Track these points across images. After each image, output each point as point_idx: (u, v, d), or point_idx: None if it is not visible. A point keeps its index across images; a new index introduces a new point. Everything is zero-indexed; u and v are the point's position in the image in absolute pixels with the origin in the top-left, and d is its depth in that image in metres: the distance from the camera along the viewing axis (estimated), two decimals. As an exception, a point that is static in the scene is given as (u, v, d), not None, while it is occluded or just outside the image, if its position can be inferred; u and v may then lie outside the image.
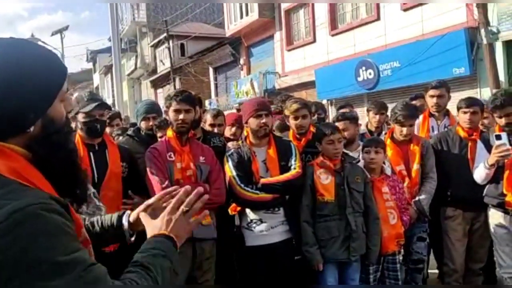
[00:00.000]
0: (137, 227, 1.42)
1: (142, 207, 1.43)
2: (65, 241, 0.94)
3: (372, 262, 3.27)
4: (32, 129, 1.02)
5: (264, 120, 3.11)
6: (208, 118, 3.85)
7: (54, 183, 1.05)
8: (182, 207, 1.31)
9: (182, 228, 1.29)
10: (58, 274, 0.90)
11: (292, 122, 3.44)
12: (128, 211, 1.48)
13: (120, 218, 1.46)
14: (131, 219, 1.43)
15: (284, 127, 3.72)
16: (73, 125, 3.04)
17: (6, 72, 0.98)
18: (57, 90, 1.06)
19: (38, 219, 0.91)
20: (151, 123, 3.48)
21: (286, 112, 3.47)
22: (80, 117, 2.88)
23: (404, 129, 3.61)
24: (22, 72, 0.99)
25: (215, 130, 3.79)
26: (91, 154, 2.87)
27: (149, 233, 1.27)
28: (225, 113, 4.25)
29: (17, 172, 0.97)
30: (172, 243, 1.23)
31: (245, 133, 3.41)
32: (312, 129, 3.94)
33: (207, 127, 3.75)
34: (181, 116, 2.99)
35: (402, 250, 3.59)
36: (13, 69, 0.98)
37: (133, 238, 1.46)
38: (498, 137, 3.22)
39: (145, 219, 1.33)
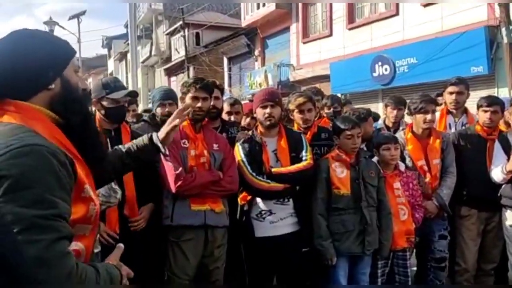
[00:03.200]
0: (167, 142, 1.95)
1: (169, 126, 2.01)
2: (56, 184, 1.12)
3: (384, 257, 3.27)
4: (53, 86, 1.28)
5: (268, 111, 3.09)
6: (225, 106, 3.85)
7: (76, 142, 1.28)
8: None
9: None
10: (36, 206, 1.07)
11: (297, 116, 3.41)
12: (155, 134, 1.93)
13: (151, 139, 1.90)
14: (160, 137, 1.92)
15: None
16: (93, 109, 3.07)
17: (29, 43, 1.28)
18: (69, 57, 1.35)
19: (40, 157, 1.11)
20: (167, 109, 3.49)
21: (291, 106, 3.43)
22: (106, 102, 2.89)
23: (428, 116, 3.53)
24: (41, 41, 1.29)
25: (232, 118, 3.79)
26: (108, 140, 2.89)
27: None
28: (239, 104, 4.24)
29: (40, 125, 1.22)
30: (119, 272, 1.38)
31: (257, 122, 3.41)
32: (327, 121, 3.92)
33: (223, 115, 3.75)
34: (198, 104, 2.98)
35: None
36: (34, 40, 1.29)
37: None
38: None
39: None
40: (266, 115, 3.09)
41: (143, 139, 1.90)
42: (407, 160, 3.63)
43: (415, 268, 3.95)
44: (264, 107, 3.11)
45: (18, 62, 1.24)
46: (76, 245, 1.21)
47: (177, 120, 2.03)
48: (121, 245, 1.48)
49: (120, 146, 1.91)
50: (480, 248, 3.68)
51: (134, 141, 1.92)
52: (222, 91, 3.68)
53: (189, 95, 3.02)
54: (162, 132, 1.98)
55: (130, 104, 4.66)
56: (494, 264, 3.72)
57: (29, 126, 1.19)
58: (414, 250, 3.78)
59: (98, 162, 1.42)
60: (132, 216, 2.89)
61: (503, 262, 3.63)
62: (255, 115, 3.31)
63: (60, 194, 1.13)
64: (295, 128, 3.45)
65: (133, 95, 3.08)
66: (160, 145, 1.90)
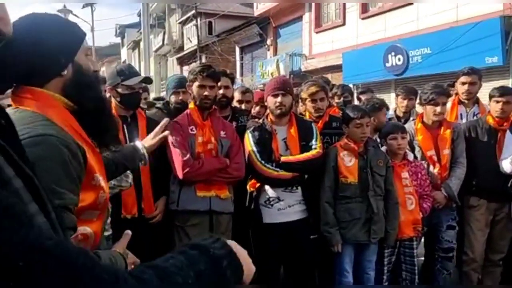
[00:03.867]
0: (150, 151, 1.88)
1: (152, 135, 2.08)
2: (64, 175, 1.14)
3: (390, 245, 3.29)
4: (65, 72, 1.28)
5: (279, 99, 3.11)
6: (236, 94, 3.88)
7: (86, 125, 1.30)
8: None
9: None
10: None
11: (309, 105, 3.43)
12: (140, 143, 2.05)
13: (135, 147, 1.96)
14: (146, 146, 1.95)
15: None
16: (108, 95, 3.12)
17: (40, 29, 1.26)
18: (79, 43, 1.34)
19: (51, 147, 1.13)
20: (180, 97, 3.53)
21: (303, 95, 3.47)
22: (121, 89, 2.93)
23: (438, 108, 3.53)
24: (52, 28, 1.28)
25: (243, 106, 3.82)
26: (125, 126, 2.95)
27: None
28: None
29: (54, 112, 1.24)
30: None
31: (267, 111, 3.43)
32: (337, 111, 3.93)
33: (234, 103, 3.78)
34: (205, 93, 3.01)
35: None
36: (45, 26, 1.28)
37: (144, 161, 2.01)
38: None
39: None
40: (277, 104, 3.11)
41: (128, 149, 1.96)
42: (417, 150, 3.64)
43: (423, 258, 3.97)
44: (275, 95, 3.12)
45: (30, 50, 1.23)
46: (84, 230, 1.24)
47: (166, 132, 2.21)
48: (129, 232, 1.47)
49: (104, 155, 1.76)
50: (488, 239, 3.68)
51: (121, 151, 1.85)
52: (232, 80, 3.71)
53: (196, 83, 3.04)
54: (147, 140, 2.12)
55: (142, 92, 4.71)
56: (502, 254, 3.72)
57: (44, 113, 1.21)
58: (422, 240, 3.79)
59: (111, 144, 1.47)
60: (147, 204, 2.95)
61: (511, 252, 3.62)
62: (266, 104, 3.33)
63: (68, 185, 1.15)
64: (307, 116, 3.47)
65: (148, 81, 3.13)
66: (146, 154, 1.97)
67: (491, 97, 3.65)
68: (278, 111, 3.12)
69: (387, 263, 3.35)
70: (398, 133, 3.39)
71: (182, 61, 26.89)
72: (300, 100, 3.61)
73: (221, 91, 3.40)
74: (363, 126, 3.18)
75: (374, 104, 3.86)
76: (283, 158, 3.08)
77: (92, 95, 1.34)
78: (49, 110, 1.23)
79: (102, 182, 1.33)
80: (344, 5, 14.07)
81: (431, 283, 3.71)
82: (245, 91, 3.98)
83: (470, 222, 3.68)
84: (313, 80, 3.89)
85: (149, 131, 3.01)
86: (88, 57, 1.37)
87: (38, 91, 1.25)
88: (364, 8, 13.40)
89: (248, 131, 3.20)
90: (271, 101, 3.15)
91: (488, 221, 3.66)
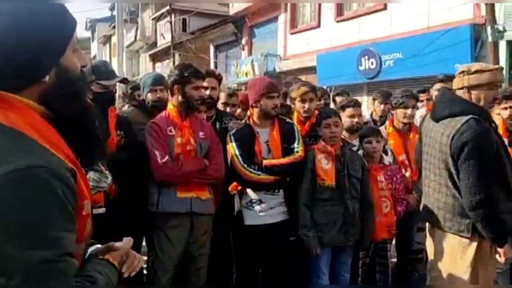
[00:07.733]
0: None
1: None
2: (60, 215, 0.93)
3: (366, 247, 3.33)
4: (47, 78, 1.02)
5: (276, 102, 3.13)
6: (222, 96, 3.82)
7: (69, 139, 1.05)
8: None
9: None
10: (39, 247, 0.90)
11: (298, 105, 3.45)
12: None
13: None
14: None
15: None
16: None
17: (17, 22, 0.98)
18: (68, 39, 1.06)
19: (41, 184, 0.91)
20: (158, 95, 3.48)
21: (293, 95, 3.49)
22: (95, 87, 2.88)
23: (409, 110, 3.65)
24: (33, 21, 1.00)
25: (228, 109, 3.78)
26: None
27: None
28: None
29: (34, 128, 0.98)
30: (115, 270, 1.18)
31: (248, 113, 3.40)
32: (316, 113, 3.97)
33: (219, 105, 3.74)
34: (200, 94, 3.03)
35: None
36: (24, 19, 0.99)
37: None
38: None
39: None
40: (274, 106, 3.12)
41: None
42: (389, 154, 3.70)
43: (395, 260, 4.04)
44: (272, 97, 3.12)
45: (7, 49, 0.98)
46: None
47: None
48: (130, 238, 1.28)
49: None
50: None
51: None
52: (220, 81, 3.67)
53: (191, 85, 2.99)
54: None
55: (135, 90, 4.60)
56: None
57: (23, 130, 0.97)
58: (394, 242, 3.86)
59: (96, 162, 1.26)
60: None
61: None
62: (254, 105, 3.19)
63: (65, 226, 0.95)
64: (295, 117, 3.48)
65: (124, 82, 3.09)
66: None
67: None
68: (274, 112, 3.13)
69: (362, 265, 3.39)
70: (372, 137, 3.44)
71: (154, 58, 26.52)
72: (289, 100, 3.63)
73: (207, 92, 3.37)
74: (330, 126, 3.20)
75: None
76: (265, 162, 3.07)
77: (76, 106, 1.07)
78: (28, 125, 0.98)
79: (89, 207, 1.11)
80: (320, 7, 14.19)
81: (405, 285, 3.78)
82: (232, 94, 3.93)
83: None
84: (303, 81, 3.92)
85: (118, 128, 2.98)
86: (76, 53, 1.10)
87: (11, 98, 0.98)
88: (339, 11, 13.55)
89: (230, 134, 3.18)
90: (267, 103, 3.11)
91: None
